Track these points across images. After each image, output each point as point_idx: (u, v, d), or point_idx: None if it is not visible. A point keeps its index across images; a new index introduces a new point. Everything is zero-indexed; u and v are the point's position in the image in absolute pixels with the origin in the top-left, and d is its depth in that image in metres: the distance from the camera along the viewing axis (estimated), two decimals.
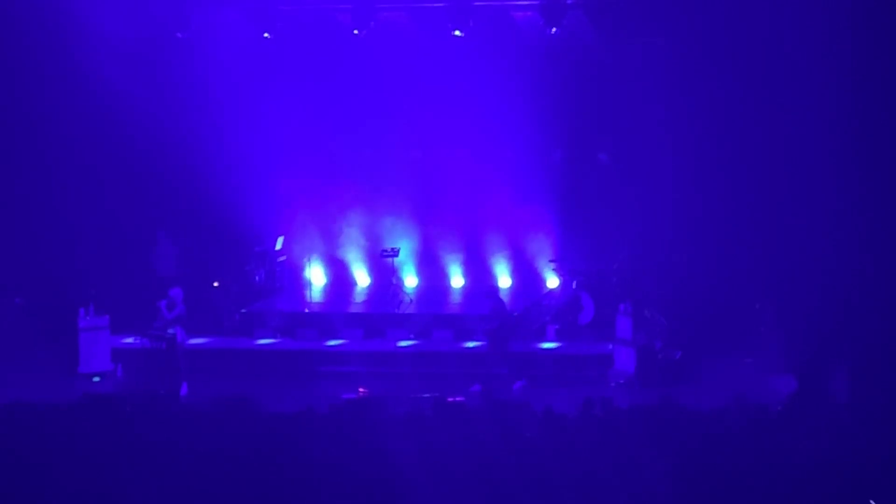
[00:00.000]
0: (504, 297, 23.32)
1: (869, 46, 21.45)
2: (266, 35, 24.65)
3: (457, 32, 23.99)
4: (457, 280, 26.85)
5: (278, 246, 26.63)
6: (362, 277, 27.24)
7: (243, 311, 24.37)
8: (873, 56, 21.51)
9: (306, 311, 24.81)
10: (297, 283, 26.61)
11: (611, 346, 21.66)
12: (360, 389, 20.00)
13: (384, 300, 24.73)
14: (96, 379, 21.74)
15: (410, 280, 26.76)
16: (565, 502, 11.88)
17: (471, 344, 22.66)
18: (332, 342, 23.07)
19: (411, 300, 24.90)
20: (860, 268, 21.27)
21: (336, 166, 26.70)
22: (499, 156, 26.30)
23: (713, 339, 22.88)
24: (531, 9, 24.29)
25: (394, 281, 25.12)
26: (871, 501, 11.04)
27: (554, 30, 23.39)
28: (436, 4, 24.33)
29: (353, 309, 25.03)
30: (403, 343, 22.90)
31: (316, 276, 26.98)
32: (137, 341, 21.37)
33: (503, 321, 20.87)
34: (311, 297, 25.85)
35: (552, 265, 25.57)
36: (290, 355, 22.60)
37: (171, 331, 20.79)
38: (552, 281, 25.81)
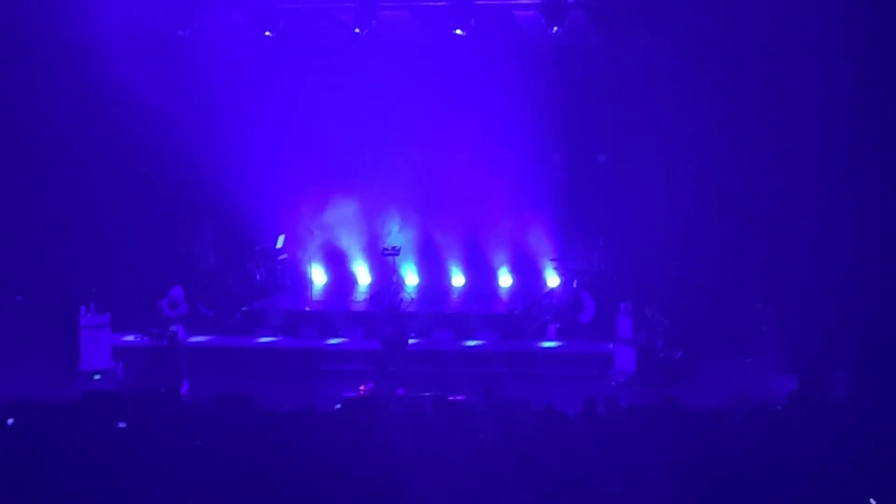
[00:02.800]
0: (402, 297, 23.32)
1: (872, 48, 21.45)
2: (267, 33, 24.64)
3: (458, 31, 23.95)
4: (457, 279, 26.84)
5: (279, 244, 26.62)
6: (363, 276, 27.24)
7: (244, 309, 24.36)
8: (876, 58, 21.52)
9: (307, 309, 24.79)
10: (298, 282, 26.63)
11: (611, 346, 21.64)
12: (361, 388, 20.01)
13: (385, 299, 24.70)
14: (97, 377, 21.73)
15: (411, 279, 26.76)
16: (566, 500, 11.89)
17: (471, 343, 22.66)
18: (333, 340, 23.07)
19: (412, 299, 24.90)
20: (860, 268, 21.28)
21: (337, 165, 26.68)
22: (500, 154, 26.30)
23: (714, 339, 22.88)
24: (533, 8, 24.28)
25: (394, 280, 25.13)
26: (872, 500, 11.04)
27: (555, 29, 23.40)
28: (437, 3, 24.31)
29: (354, 307, 25.00)
30: None
31: (317, 274, 26.99)
32: (138, 339, 21.35)
33: (398, 327, 20.69)
34: (311, 295, 25.86)
35: (553, 264, 25.56)
36: (291, 354, 22.59)
37: (172, 329, 20.79)
38: (553, 280, 25.80)
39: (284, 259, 26.69)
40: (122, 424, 14.69)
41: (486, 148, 26.42)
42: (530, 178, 26.08)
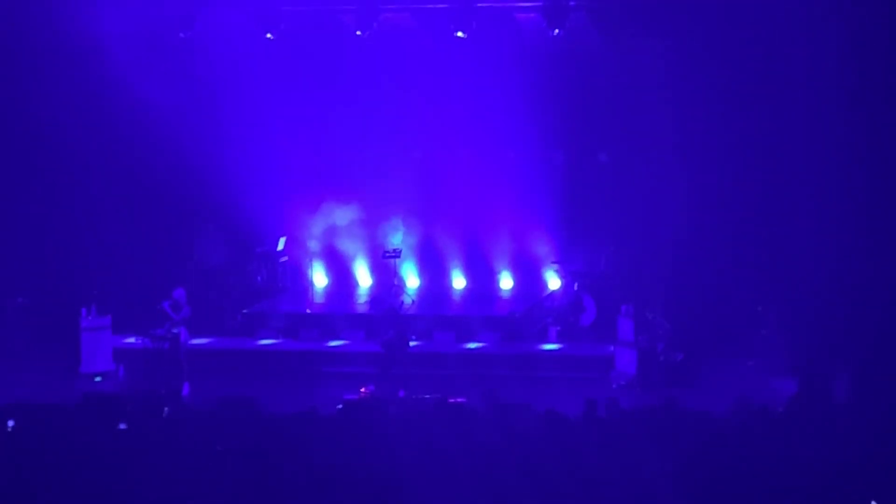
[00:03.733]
0: (402, 299, 23.10)
1: (871, 47, 21.45)
2: (269, 36, 24.62)
3: (459, 34, 23.92)
4: (458, 281, 26.85)
5: (280, 246, 26.61)
6: (364, 278, 27.24)
7: (245, 311, 24.36)
8: (876, 58, 21.51)
9: (308, 311, 24.79)
10: (299, 284, 26.64)
11: (612, 348, 21.63)
12: (362, 390, 20.01)
13: (386, 301, 24.71)
14: (98, 379, 21.72)
15: (412, 281, 26.76)
16: (567, 503, 11.88)
17: (472, 345, 22.66)
18: (334, 343, 23.06)
19: (413, 301, 24.90)
20: (861, 270, 21.28)
21: (338, 167, 26.72)
22: (501, 156, 26.33)
23: (715, 342, 22.88)
24: (534, 10, 24.26)
25: (395, 282, 25.14)
26: (873, 502, 11.04)
27: (556, 31, 23.36)
28: (438, 6, 24.29)
29: (355, 310, 24.98)
30: None
31: (318, 276, 26.98)
32: (139, 341, 21.32)
33: (399, 330, 20.61)
34: (312, 297, 25.85)
35: (554, 266, 25.56)
36: (292, 356, 22.58)
37: (175, 331, 20.77)
38: (554, 282, 25.80)
39: (285, 261, 26.68)
40: (122, 426, 14.69)
41: (487, 149, 26.44)
42: (531, 179, 26.10)
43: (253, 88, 25.81)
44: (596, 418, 15.02)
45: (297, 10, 24.88)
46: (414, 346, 21.71)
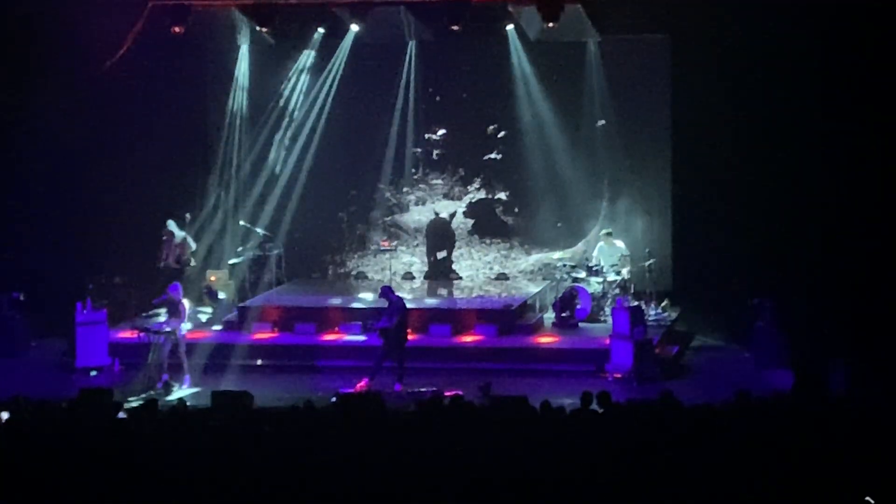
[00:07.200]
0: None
1: (870, 46, 21.47)
2: (263, 30, 24.53)
3: (454, 27, 23.85)
4: (454, 274, 26.83)
5: (274, 239, 26.53)
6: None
7: (240, 304, 24.33)
8: (875, 56, 21.54)
9: (304, 305, 24.72)
10: (295, 277, 26.65)
11: (608, 341, 21.61)
12: (359, 384, 20.02)
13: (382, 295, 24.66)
14: (94, 373, 21.68)
15: (406, 273, 26.75)
16: (563, 496, 11.88)
17: (468, 338, 22.64)
18: (330, 336, 23.02)
19: (407, 294, 24.86)
20: (859, 261, 21.30)
21: (330, 161, 26.73)
22: (495, 149, 26.40)
23: (711, 334, 22.91)
24: (528, 2, 24.21)
25: (391, 275, 25.11)
26: (868, 498, 11.03)
27: (552, 25, 23.31)
28: None
29: (351, 303, 24.96)
30: None
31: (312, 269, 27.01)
32: (135, 335, 21.26)
33: (399, 322, 20.52)
34: (308, 291, 25.82)
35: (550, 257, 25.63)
36: (288, 349, 22.53)
37: (171, 324, 20.73)
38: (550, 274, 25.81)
39: (279, 254, 26.63)
40: (121, 415, 14.77)
41: (482, 144, 26.49)
42: (526, 170, 26.15)
43: (246, 82, 25.96)
44: (591, 411, 15.02)
45: (291, 4, 24.79)
46: (410, 340, 21.68)
